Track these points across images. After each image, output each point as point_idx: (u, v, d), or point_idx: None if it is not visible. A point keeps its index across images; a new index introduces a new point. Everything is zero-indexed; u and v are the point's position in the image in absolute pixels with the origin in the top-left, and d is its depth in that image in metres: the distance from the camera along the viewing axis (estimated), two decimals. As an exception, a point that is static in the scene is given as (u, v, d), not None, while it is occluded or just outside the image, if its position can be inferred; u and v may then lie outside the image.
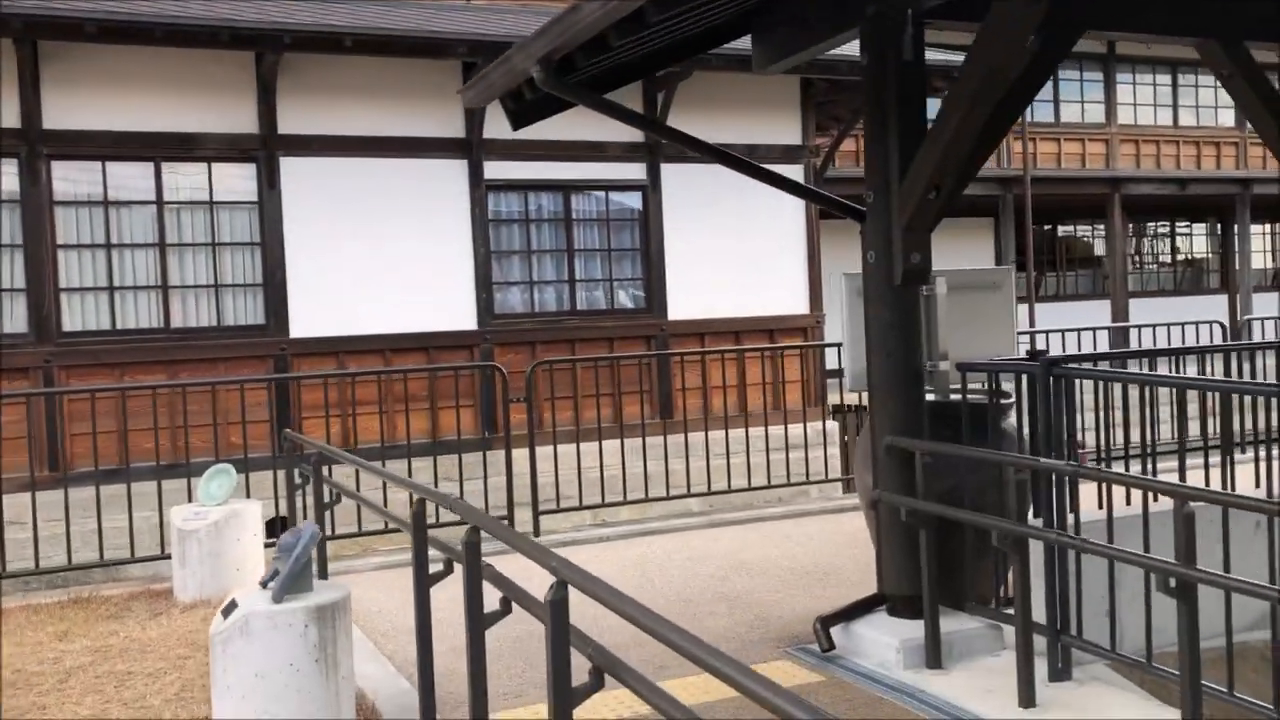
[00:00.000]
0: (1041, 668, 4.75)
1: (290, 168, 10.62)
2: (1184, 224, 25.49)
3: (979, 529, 4.92)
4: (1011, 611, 4.79)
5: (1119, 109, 22.66)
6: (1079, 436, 5.28)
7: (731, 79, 11.72)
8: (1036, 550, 4.77)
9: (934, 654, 5.05)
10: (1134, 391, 5.58)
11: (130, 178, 10.22)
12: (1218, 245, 25.63)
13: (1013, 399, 5.48)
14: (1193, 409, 6.15)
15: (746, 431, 9.40)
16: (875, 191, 5.34)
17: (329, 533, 7.54)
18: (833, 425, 12.48)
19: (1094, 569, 4.81)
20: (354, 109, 10.84)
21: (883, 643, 5.18)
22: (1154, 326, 11.28)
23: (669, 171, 12.07)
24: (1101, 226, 23.49)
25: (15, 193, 9.80)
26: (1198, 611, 3.84)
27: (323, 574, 6.52)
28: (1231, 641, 4.29)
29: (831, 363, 11.60)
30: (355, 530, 8.25)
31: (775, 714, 2.04)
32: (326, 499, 6.47)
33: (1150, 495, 4.60)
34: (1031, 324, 19.64)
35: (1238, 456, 5.85)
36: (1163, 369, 7.15)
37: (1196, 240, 25.77)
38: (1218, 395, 5.49)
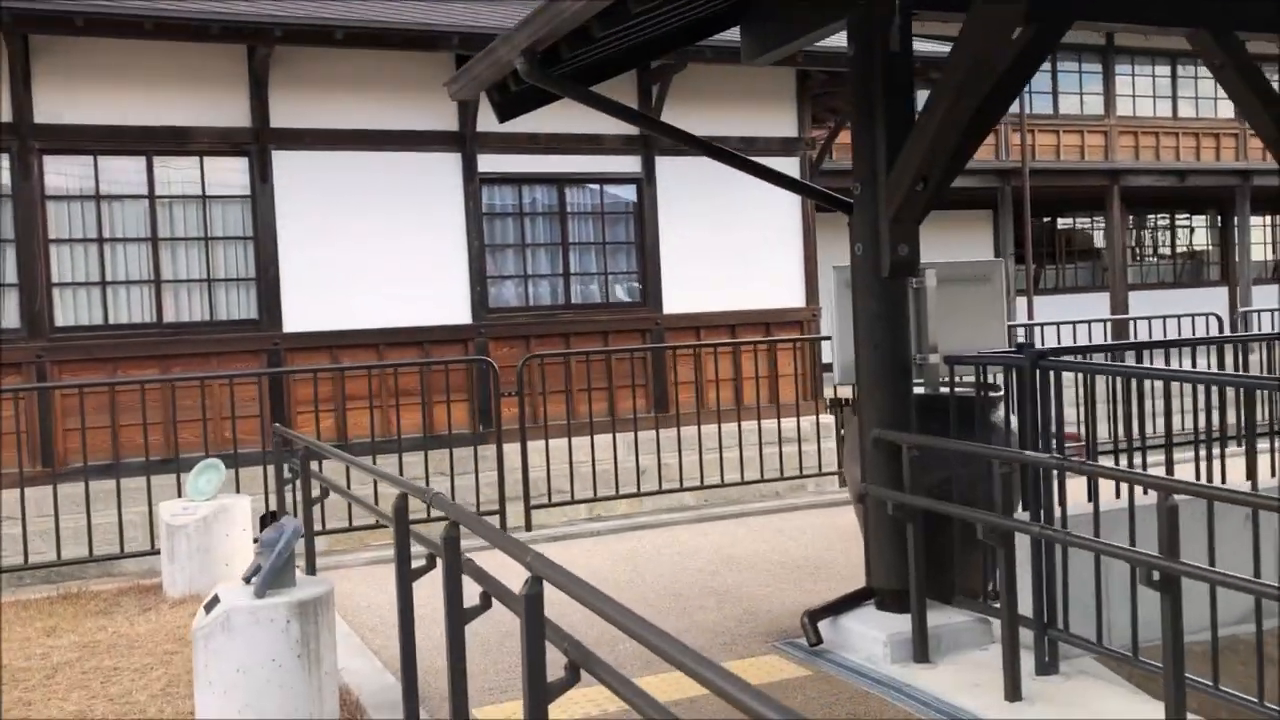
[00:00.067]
0: (1028, 661, 4.73)
1: (283, 161, 10.59)
2: (1184, 216, 25.43)
3: (966, 523, 4.90)
4: (999, 605, 4.77)
5: (1118, 100, 22.60)
6: (1076, 429, 5.26)
7: (726, 71, 11.68)
8: (1023, 544, 4.75)
9: (921, 648, 5.03)
10: (1125, 385, 5.55)
11: (122, 172, 10.19)
12: (1217, 237, 25.58)
13: (1001, 392, 5.46)
14: (1188, 403, 6.12)
15: (739, 426, 9.38)
16: (862, 183, 5.31)
17: (320, 527, 7.54)
18: (829, 419, 12.45)
19: (1081, 563, 4.79)
20: (346, 102, 10.81)
21: (870, 637, 5.17)
22: (1150, 319, 11.25)
23: (664, 164, 12.04)
24: (1101, 219, 23.45)
25: (7, 187, 9.77)
26: (1181, 605, 3.82)
27: (311, 569, 6.52)
28: (1217, 635, 4.27)
29: (828, 356, 11.56)
30: (347, 525, 8.23)
31: (745, 712, 2.01)
32: (315, 494, 6.47)
33: (1140, 488, 4.58)
34: (1030, 316, 19.63)
35: (1235, 450, 5.83)
36: (1160, 362, 7.11)
37: (1196, 232, 25.72)
38: (1204, 388, 5.47)
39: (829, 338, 6.24)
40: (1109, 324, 16.95)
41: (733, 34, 6.29)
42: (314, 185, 10.68)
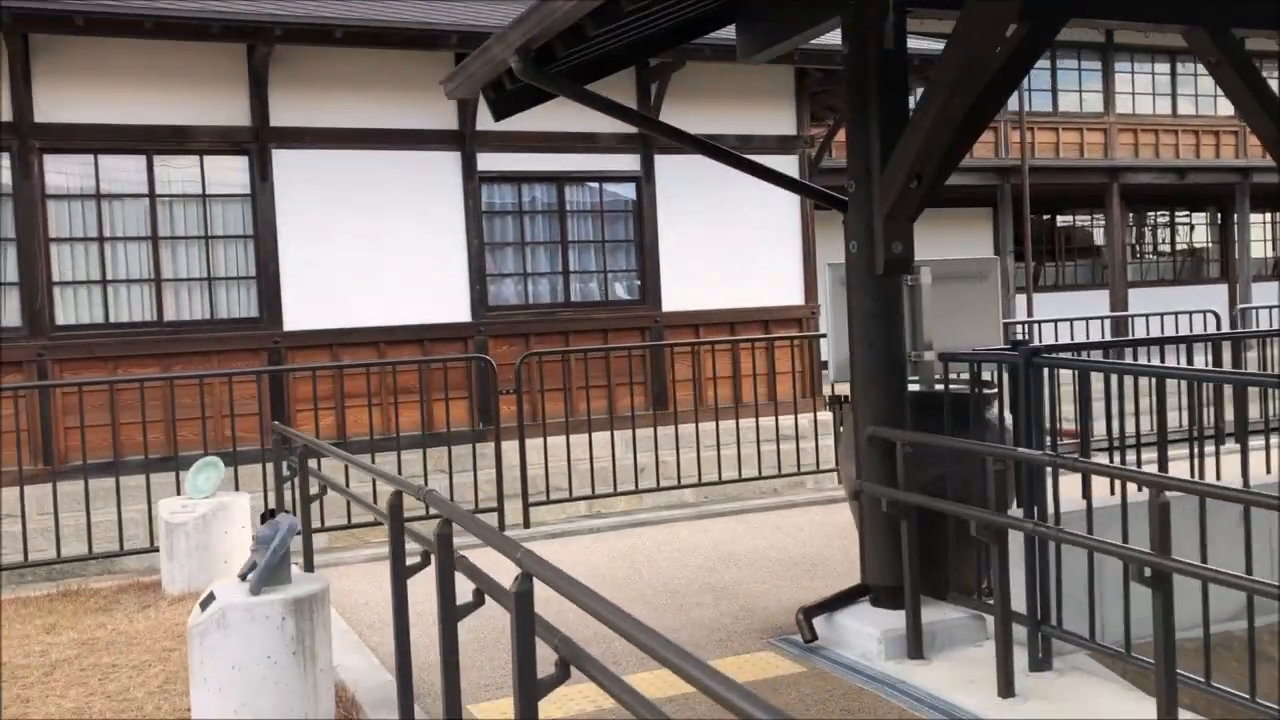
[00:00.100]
0: (1022, 658, 4.74)
1: (283, 160, 10.61)
2: (1183, 213, 25.41)
3: (961, 519, 4.92)
4: (993, 602, 4.78)
5: (1117, 98, 22.58)
6: (1072, 426, 5.27)
7: (724, 69, 11.69)
8: (1017, 541, 4.76)
9: (916, 644, 5.05)
10: (1120, 382, 5.56)
11: (122, 171, 10.21)
12: (1217, 234, 25.56)
13: (996, 389, 5.47)
14: (1183, 399, 6.13)
15: (737, 422, 9.40)
16: (857, 181, 5.33)
17: (319, 525, 7.57)
18: (827, 416, 12.46)
19: (1074, 559, 4.80)
20: (346, 101, 10.83)
21: (865, 633, 5.18)
22: (1148, 316, 11.25)
23: (663, 162, 12.05)
24: (1100, 216, 23.43)
25: (7, 186, 9.80)
26: (1173, 601, 3.84)
27: (309, 566, 6.54)
28: (1209, 631, 4.28)
29: (826, 354, 11.59)
30: (346, 522, 8.26)
31: (731, 710, 2.03)
32: (314, 491, 6.49)
33: (1134, 485, 4.60)
34: (1030, 314, 19.63)
35: (1232, 446, 5.84)
36: (1156, 360, 7.11)
37: (1196, 229, 25.70)
38: (1201, 385, 5.48)
39: (827, 335, 6.25)
40: (1108, 321, 16.94)
41: (729, 32, 6.31)
42: (314, 184, 10.70)
